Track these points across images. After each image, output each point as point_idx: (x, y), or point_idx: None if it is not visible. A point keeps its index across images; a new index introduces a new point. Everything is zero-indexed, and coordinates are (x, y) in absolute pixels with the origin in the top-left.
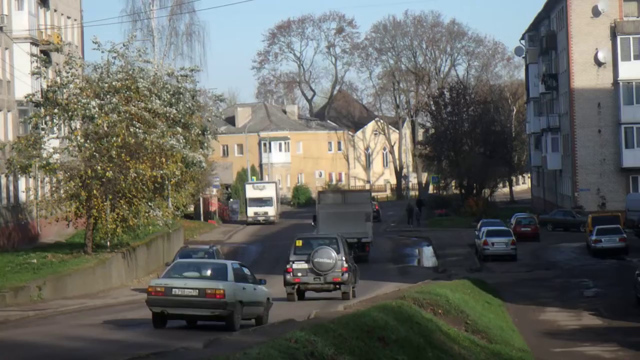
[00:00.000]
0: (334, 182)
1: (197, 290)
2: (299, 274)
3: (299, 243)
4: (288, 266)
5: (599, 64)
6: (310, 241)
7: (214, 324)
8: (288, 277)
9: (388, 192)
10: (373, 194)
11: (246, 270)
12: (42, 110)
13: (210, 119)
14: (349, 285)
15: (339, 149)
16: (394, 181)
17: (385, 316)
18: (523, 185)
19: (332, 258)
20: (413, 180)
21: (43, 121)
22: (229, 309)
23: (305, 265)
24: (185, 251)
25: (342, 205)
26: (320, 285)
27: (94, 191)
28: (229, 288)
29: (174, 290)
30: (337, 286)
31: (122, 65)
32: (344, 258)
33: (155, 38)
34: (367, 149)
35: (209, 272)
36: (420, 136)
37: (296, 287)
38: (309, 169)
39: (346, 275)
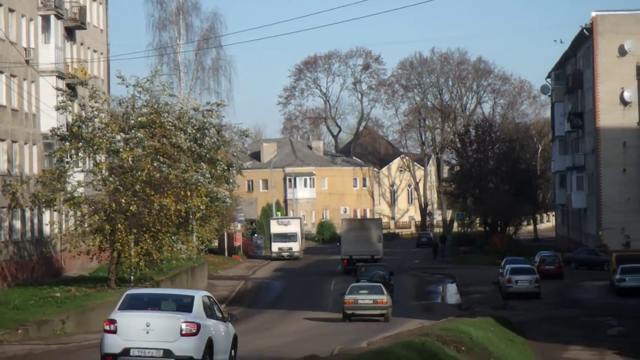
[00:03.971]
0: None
1: (372, 300)
2: (361, 282)
3: (363, 269)
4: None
5: (624, 103)
6: (368, 267)
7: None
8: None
9: (413, 229)
10: (397, 230)
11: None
12: (67, 144)
13: (235, 154)
14: (392, 295)
15: (364, 185)
16: (418, 218)
17: (409, 353)
18: (547, 223)
19: (382, 277)
20: (438, 217)
21: (68, 155)
22: (388, 310)
23: (367, 281)
24: None
25: (360, 230)
26: None
27: (118, 225)
28: (387, 298)
29: (359, 300)
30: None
31: (147, 100)
32: (389, 277)
33: (181, 72)
34: (392, 185)
35: (375, 290)
36: (445, 173)
37: None
38: (334, 205)
39: (391, 288)
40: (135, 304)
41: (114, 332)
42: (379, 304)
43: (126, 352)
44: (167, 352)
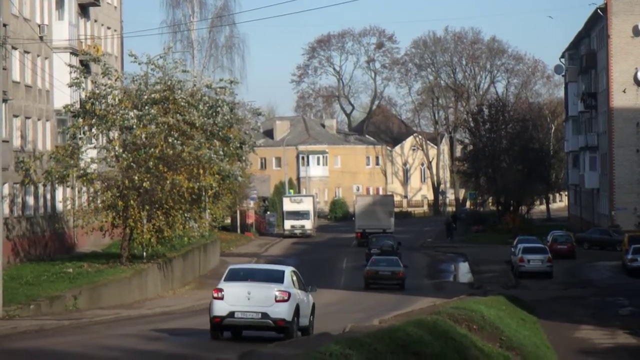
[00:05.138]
0: None
1: (391, 272)
2: (373, 251)
3: (373, 239)
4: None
5: (638, 83)
6: (379, 237)
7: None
8: (372, 250)
9: (425, 208)
10: (409, 209)
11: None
12: (80, 120)
13: (247, 132)
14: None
15: (377, 163)
16: (431, 197)
17: (420, 331)
18: (560, 203)
19: (391, 246)
20: (450, 196)
21: (81, 131)
22: (403, 281)
23: (377, 250)
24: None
25: (372, 205)
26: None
27: (131, 201)
28: (403, 270)
29: (379, 272)
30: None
31: (160, 77)
32: (397, 246)
33: (194, 50)
34: (405, 164)
35: (393, 263)
36: (458, 152)
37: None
38: (346, 183)
39: (399, 256)
40: (236, 276)
41: (221, 298)
42: (397, 275)
43: (231, 314)
44: (265, 315)
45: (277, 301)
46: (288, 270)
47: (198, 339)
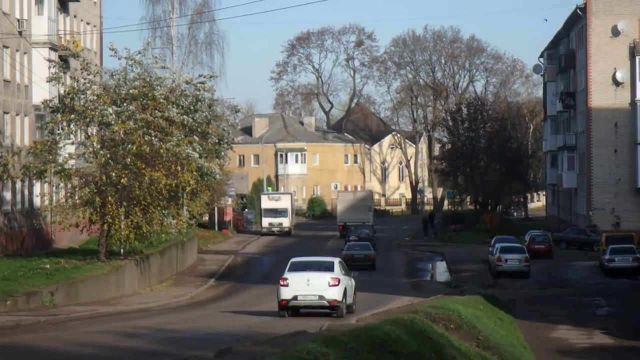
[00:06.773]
0: None
1: (364, 255)
2: (351, 239)
3: (352, 228)
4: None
5: (617, 83)
6: (357, 227)
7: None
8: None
9: (403, 206)
10: (387, 207)
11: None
12: (59, 115)
13: (226, 129)
14: (375, 249)
15: (356, 161)
16: (409, 195)
17: (397, 330)
18: (538, 202)
19: (367, 234)
20: (428, 195)
21: (59, 126)
22: (374, 262)
23: (356, 237)
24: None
25: (353, 201)
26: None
27: (109, 198)
28: (374, 253)
29: (354, 255)
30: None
31: (139, 73)
32: (372, 235)
33: (174, 46)
34: (383, 162)
35: (365, 247)
36: (436, 151)
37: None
38: (325, 181)
39: (374, 243)
40: (296, 267)
41: (287, 285)
42: (369, 257)
43: (295, 297)
44: (321, 297)
45: (330, 286)
46: (337, 261)
47: (175, 335)
